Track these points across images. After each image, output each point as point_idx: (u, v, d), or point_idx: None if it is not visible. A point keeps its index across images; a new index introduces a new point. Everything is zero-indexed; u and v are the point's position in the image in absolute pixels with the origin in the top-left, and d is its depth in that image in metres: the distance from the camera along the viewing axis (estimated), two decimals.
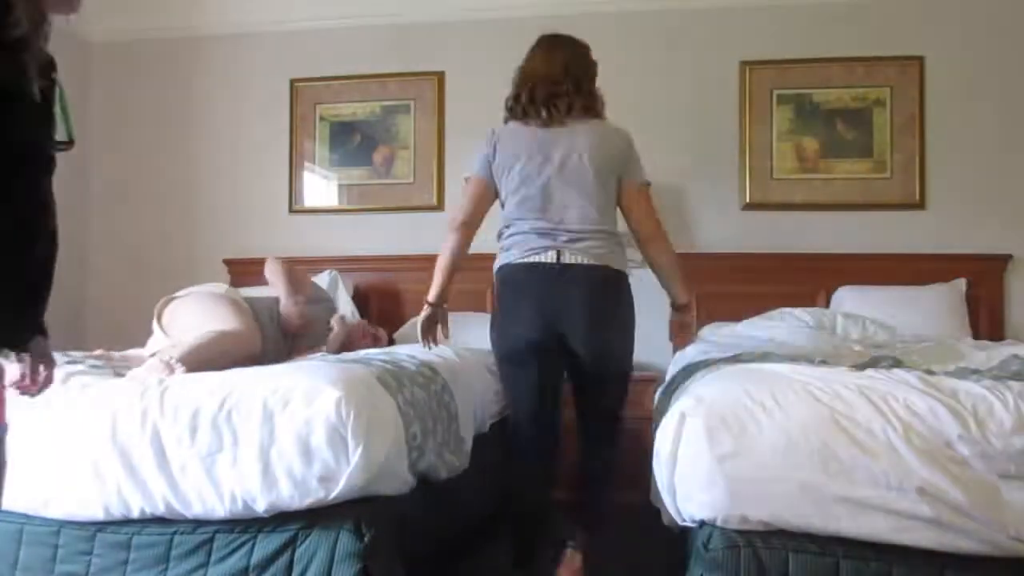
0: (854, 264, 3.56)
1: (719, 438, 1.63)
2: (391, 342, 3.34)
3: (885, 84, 3.63)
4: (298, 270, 3.09)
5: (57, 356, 2.37)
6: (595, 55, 3.80)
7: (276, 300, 2.88)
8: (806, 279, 3.56)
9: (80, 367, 2.22)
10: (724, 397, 1.69)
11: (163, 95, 4.18)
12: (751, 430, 1.62)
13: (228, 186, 4.12)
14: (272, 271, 2.95)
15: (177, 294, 2.67)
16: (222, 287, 2.72)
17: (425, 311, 2.37)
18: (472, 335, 3.41)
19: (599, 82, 3.91)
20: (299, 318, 2.83)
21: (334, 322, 3.07)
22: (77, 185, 4.17)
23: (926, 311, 3.26)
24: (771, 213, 3.69)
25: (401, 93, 3.97)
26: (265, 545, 1.87)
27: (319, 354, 2.66)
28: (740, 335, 3.03)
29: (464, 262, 3.79)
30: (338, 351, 2.91)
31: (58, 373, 2.07)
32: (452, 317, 3.63)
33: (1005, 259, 3.52)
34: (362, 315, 3.70)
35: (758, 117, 3.70)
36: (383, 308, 3.87)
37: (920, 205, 3.60)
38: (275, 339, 2.75)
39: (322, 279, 3.67)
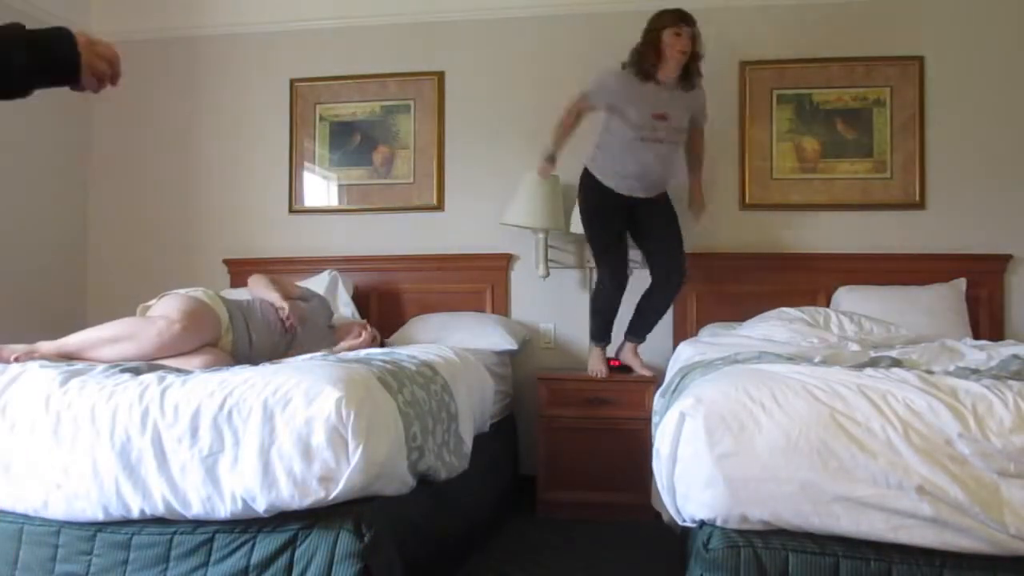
0: (854, 264, 3.56)
1: (718, 437, 1.63)
2: (383, 344, 3.34)
3: (885, 84, 3.63)
4: (280, 278, 3.12)
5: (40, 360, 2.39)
6: (594, 55, 3.83)
7: (263, 301, 2.91)
8: (806, 279, 3.57)
9: (79, 366, 2.21)
10: (724, 397, 1.69)
11: (163, 95, 4.18)
12: (751, 429, 1.63)
13: (228, 186, 4.12)
14: (255, 285, 3.00)
15: (150, 301, 2.69)
16: (198, 290, 2.73)
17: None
18: (472, 335, 3.41)
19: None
20: (295, 316, 2.88)
21: (339, 329, 3.12)
22: (77, 186, 4.18)
23: (926, 311, 3.25)
24: (771, 213, 3.69)
25: (401, 93, 3.98)
26: (265, 545, 1.87)
27: (320, 353, 2.66)
28: (738, 335, 3.03)
29: (465, 262, 3.83)
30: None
31: (57, 374, 2.09)
32: (452, 317, 3.66)
33: (1005, 259, 3.52)
34: (362, 315, 3.70)
35: (758, 117, 3.70)
36: (383, 308, 3.87)
37: (920, 205, 3.60)
38: (260, 338, 2.77)
39: (322, 279, 3.67)
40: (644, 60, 3.11)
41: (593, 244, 3.32)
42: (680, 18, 3.07)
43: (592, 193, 3.25)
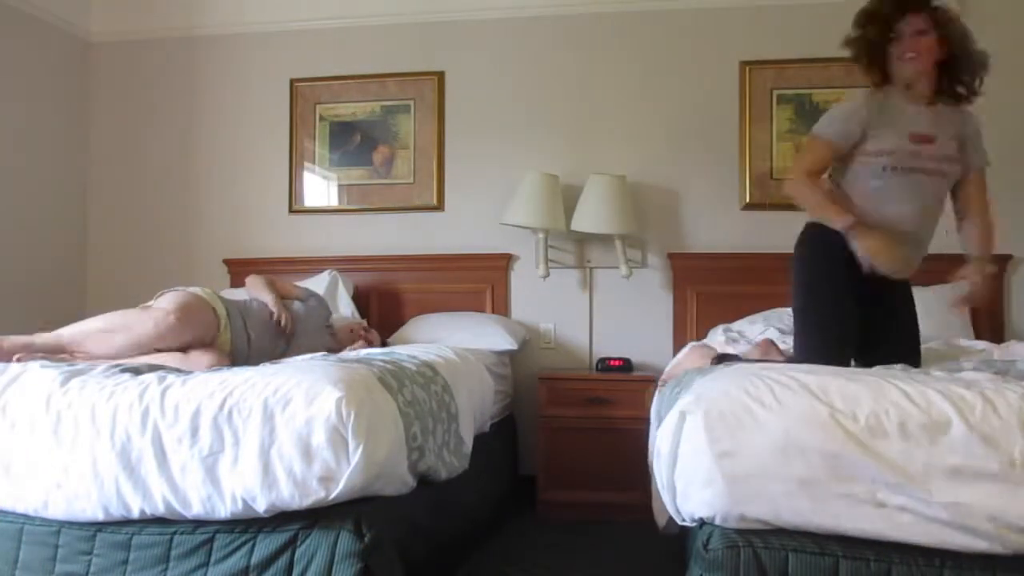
0: None
1: (718, 435, 1.63)
2: (384, 344, 3.34)
3: None
4: (278, 279, 3.13)
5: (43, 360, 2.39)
6: (595, 55, 3.83)
7: (261, 302, 2.93)
8: None
9: (79, 366, 2.21)
10: (723, 395, 1.69)
11: (163, 95, 4.18)
12: (750, 428, 1.62)
13: (228, 186, 4.12)
14: (253, 285, 3.01)
15: (150, 302, 2.70)
16: (196, 288, 2.74)
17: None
18: (472, 335, 3.41)
19: (598, 83, 3.92)
20: (288, 319, 2.91)
21: (338, 330, 3.15)
22: (77, 186, 4.18)
23: (928, 312, 3.24)
24: (771, 213, 3.68)
25: (401, 93, 3.98)
26: (265, 545, 1.87)
27: (320, 354, 2.66)
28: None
29: (465, 262, 3.83)
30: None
31: (57, 373, 2.09)
32: (452, 317, 3.66)
33: (1005, 259, 3.51)
34: (362, 315, 3.70)
35: (758, 117, 3.70)
36: (383, 308, 3.87)
37: None
38: (258, 337, 2.79)
39: (322, 279, 3.67)
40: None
41: (812, 332, 2.26)
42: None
43: (820, 256, 2.32)
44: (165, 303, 2.56)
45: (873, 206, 2.25)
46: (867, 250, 2.12)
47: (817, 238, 2.32)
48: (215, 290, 2.90)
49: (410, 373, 2.25)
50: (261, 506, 1.84)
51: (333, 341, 3.09)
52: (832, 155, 2.28)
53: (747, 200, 3.71)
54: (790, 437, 1.60)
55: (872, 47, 2.30)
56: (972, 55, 2.25)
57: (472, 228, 3.89)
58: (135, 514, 1.91)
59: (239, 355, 2.65)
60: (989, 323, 3.46)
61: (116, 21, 4.21)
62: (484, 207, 3.84)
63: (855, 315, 2.24)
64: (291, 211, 4.06)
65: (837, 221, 2.18)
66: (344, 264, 3.85)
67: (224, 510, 1.86)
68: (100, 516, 1.92)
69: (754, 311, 3.26)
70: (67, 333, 2.46)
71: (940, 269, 3.42)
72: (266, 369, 2.09)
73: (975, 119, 2.40)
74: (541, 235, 3.64)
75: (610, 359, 3.51)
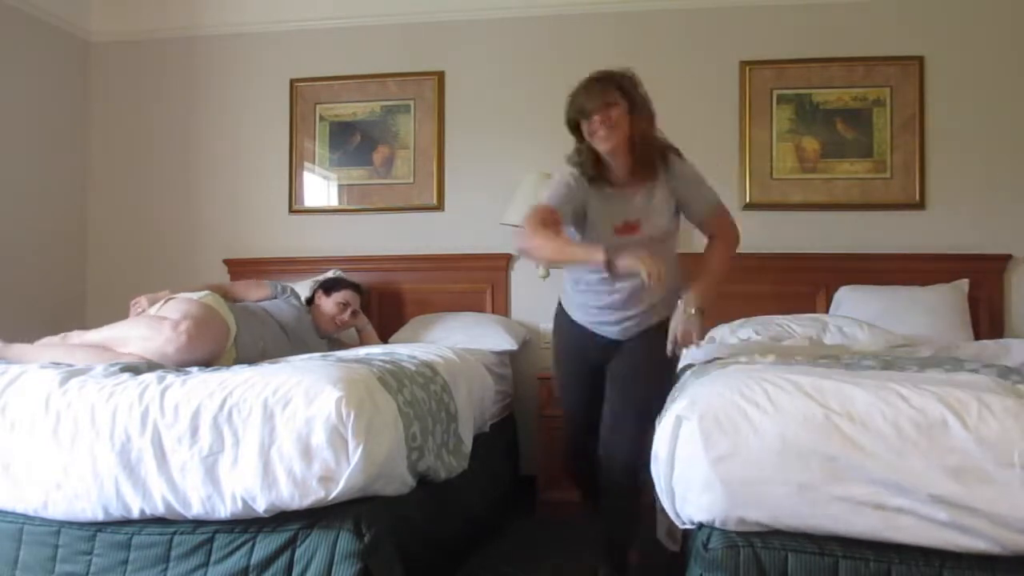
0: (854, 264, 3.56)
1: (714, 440, 1.63)
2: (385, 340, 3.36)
3: (885, 84, 3.63)
4: (238, 283, 3.11)
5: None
6: (595, 55, 3.82)
7: (278, 307, 2.95)
8: (806, 279, 3.56)
9: (79, 366, 2.21)
10: (718, 398, 1.68)
11: (163, 95, 4.18)
12: (745, 431, 1.62)
13: (228, 186, 4.12)
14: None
15: (152, 308, 2.66)
16: (196, 295, 2.70)
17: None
18: (472, 335, 3.41)
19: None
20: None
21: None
22: (77, 186, 4.18)
23: (928, 311, 3.25)
24: (771, 213, 3.68)
25: (401, 93, 3.98)
26: (265, 545, 1.87)
27: (319, 354, 2.66)
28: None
29: (465, 262, 3.83)
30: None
31: (56, 374, 2.09)
32: (452, 317, 3.66)
33: (1005, 259, 3.52)
34: None
35: (758, 117, 3.70)
36: (383, 308, 3.87)
37: (920, 205, 3.59)
38: (270, 348, 2.77)
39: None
40: (583, 164, 2.29)
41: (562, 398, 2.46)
42: (580, 106, 2.26)
43: (559, 331, 2.41)
44: (178, 316, 2.50)
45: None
46: (638, 263, 1.90)
47: (558, 316, 2.41)
48: (221, 288, 2.89)
49: (410, 373, 2.25)
50: (261, 506, 1.84)
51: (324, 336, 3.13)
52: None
53: (747, 200, 3.70)
54: (786, 440, 1.59)
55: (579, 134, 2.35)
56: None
57: (472, 228, 3.89)
58: (135, 514, 1.91)
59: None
60: (989, 323, 3.46)
61: (116, 21, 4.21)
62: (484, 207, 3.84)
63: (588, 386, 2.30)
64: (291, 211, 4.06)
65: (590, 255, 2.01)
66: (344, 264, 3.85)
67: (224, 510, 1.86)
68: (100, 516, 1.93)
69: (754, 310, 3.26)
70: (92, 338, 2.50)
71: (939, 269, 3.47)
72: (266, 369, 2.09)
73: (680, 169, 2.37)
74: None
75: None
